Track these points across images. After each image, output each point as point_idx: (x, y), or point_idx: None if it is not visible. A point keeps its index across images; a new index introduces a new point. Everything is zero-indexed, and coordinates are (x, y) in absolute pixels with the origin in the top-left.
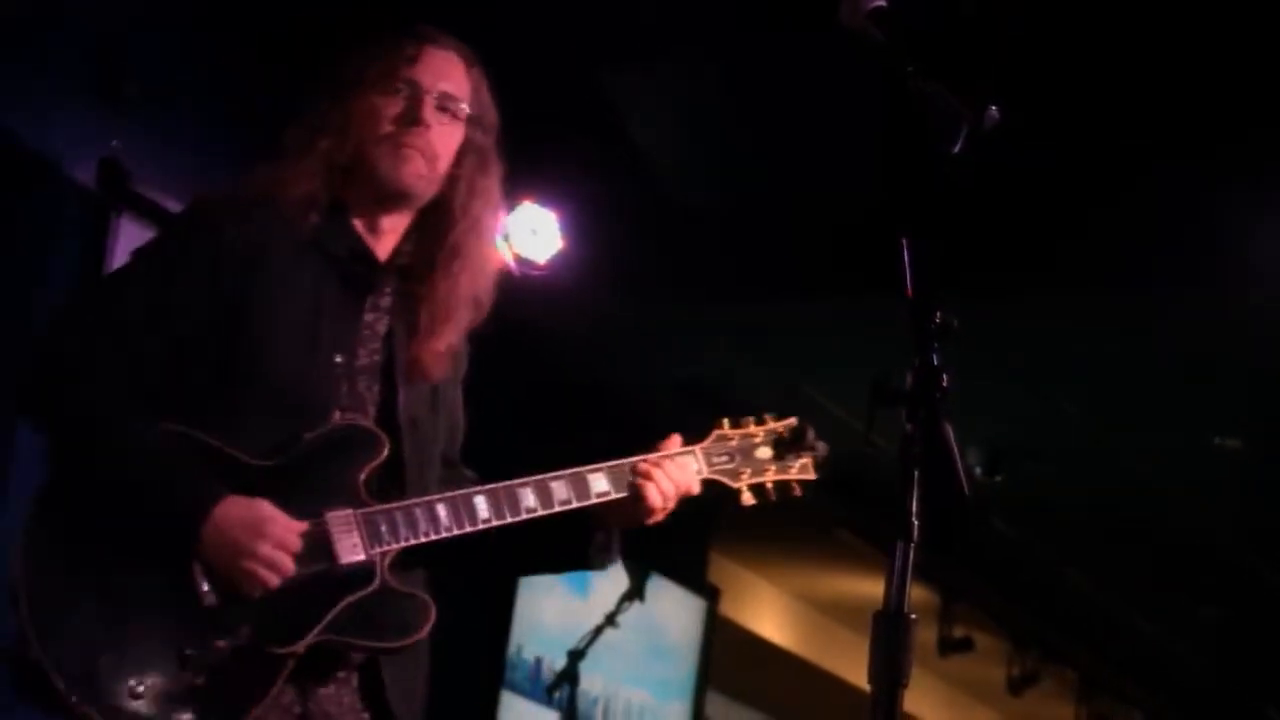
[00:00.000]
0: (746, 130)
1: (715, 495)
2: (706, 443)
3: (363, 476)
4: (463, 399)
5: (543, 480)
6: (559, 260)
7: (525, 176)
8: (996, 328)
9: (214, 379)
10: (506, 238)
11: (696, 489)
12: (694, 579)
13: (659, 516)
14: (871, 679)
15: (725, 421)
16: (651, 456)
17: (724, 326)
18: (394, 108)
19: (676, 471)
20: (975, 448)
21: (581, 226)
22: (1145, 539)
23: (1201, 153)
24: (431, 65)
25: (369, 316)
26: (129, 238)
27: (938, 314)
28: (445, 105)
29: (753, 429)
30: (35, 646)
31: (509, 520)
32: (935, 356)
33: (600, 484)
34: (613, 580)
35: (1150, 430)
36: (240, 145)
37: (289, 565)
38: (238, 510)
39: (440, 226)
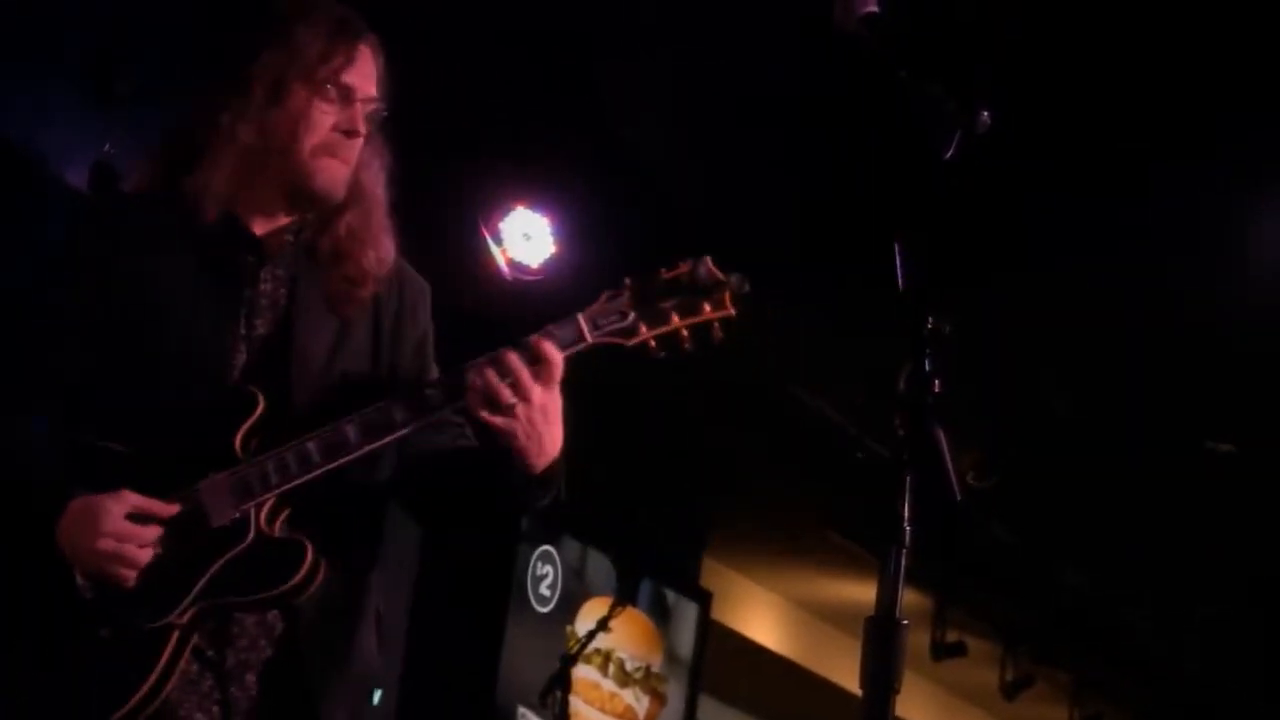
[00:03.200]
0: (741, 132)
1: (608, 354)
2: (592, 307)
3: (241, 438)
4: (425, 345)
5: (416, 389)
6: (552, 265)
7: (518, 181)
8: (985, 331)
9: (98, 370)
10: (500, 243)
11: (558, 361)
12: (686, 584)
13: (500, 423)
14: (863, 684)
15: (626, 279)
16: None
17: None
18: (330, 115)
19: (512, 363)
20: (967, 452)
21: (574, 231)
22: (1138, 541)
23: (1196, 155)
24: (363, 68)
25: (265, 286)
26: None
27: (930, 319)
28: (372, 113)
29: (651, 277)
30: None
31: (384, 439)
32: (928, 361)
33: (436, 399)
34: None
35: (1142, 435)
36: None
37: (135, 553)
38: (79, 509)
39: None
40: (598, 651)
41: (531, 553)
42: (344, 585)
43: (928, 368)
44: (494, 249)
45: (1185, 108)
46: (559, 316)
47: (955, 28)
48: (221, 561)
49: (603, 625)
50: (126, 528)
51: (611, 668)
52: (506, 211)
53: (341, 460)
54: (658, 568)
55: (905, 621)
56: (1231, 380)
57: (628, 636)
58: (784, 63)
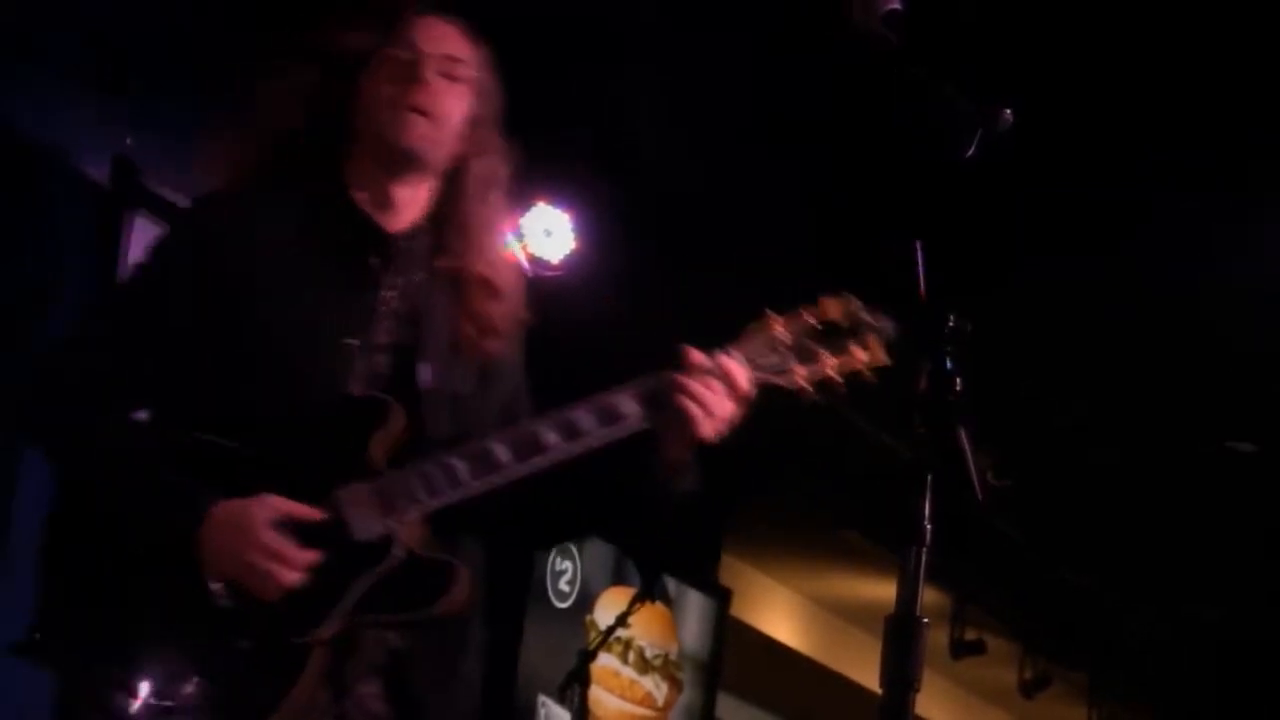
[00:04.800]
0: (758, 131)
1: (771, 400)
2: (742, 342)
3: (377, 448)
4: (525, 386)
5: (562, 412)
6: (573, 261)
7: (538, 177)
8: (1002, 331)
9: (217, 377)
10: (520, 238)
11: (745, 385)
12: (705, 580)
13: (711, 430)
14: (883, 682)
15: (767, 313)
16: (686, 370)
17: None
18: (394, 70)
19: (718, 376)
20: (986, 451)
21: (595, 227)
22: (1156, 543)
23: (1215, 153)
24: (431, 32)
25: (388, 294)
26: (142, 235)
27: (951, 318)
28: (446, 69)
29: (799, 317)
30: (62, 664)
31: (534, 460)
32: (948, 360)
33: (627, 405)
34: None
35: (1161, 435)
36: None
37: (286, 570)
38: (230, 514)
39: (458, 199)
40: (618, 639)
41: (550, 550)
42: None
43: (949, 367)
44: (514, 244)
45: (1202, 107)
46: (581, 313)
47: (975, 25)
48: (365, 579)
49: (622, 621)
50: (279, 542)
51: (631, 655)
52: (527, 207)
53: (491, 480)
54: (677, 564)
55: (925, 620)
56: (1252, 380)
57: (646, 624)
58: (800, 61)
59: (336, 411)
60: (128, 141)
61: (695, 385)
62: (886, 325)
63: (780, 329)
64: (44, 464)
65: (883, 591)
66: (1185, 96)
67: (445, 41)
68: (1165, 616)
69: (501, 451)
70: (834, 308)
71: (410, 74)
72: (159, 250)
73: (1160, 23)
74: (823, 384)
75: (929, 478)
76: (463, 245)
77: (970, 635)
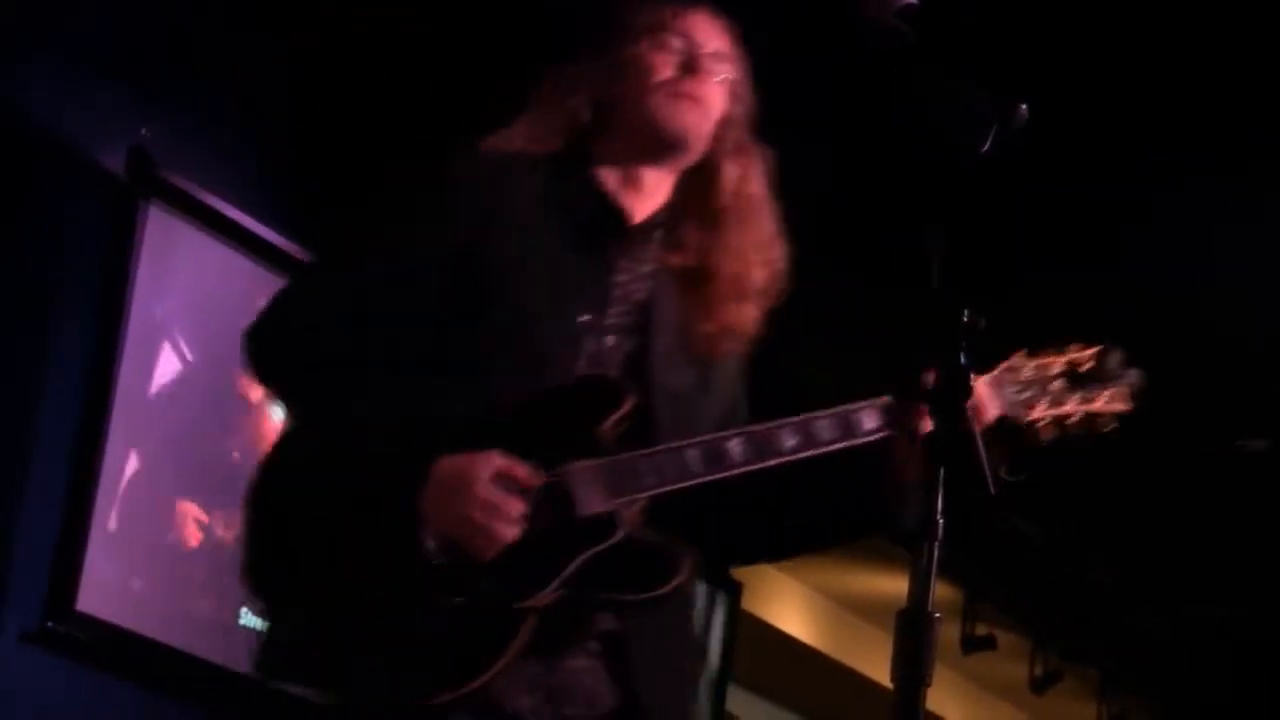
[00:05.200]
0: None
1: (1008, 434)
2: (993, 374)
3: (608, 430)
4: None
5: (804, 419)
6: None
7: None
8: (1016, 322)
9: (451, 339)
10: None
11: (991, 416)
12: (716, 574)
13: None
14: (894, 677)
15: (1023, 352)
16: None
17: None
18: (668, 57)
19: (984, 404)
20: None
21: None
22: (1169, 539)
23: (1217, 150)
24: (705, 26)
25: (621, 278)
26: (157, 226)
27: (965, 312)
28: (715, 66)
29: (1048, 358)
30: (268, 616)
31: (768, 463)
32: (962, 354)
33: (870, 420)
34: None
35: (1173, 431)
36: (272, 134)
37: (504, 528)
38: (454, 469)
39: (707, 196)
40: None
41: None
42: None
43: (963, 361)
44: None
45: (1205, 104)
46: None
47: (978, 23)
48: (589, 553)
49: None
50: (500, 498)
51: None
52: None
53: (720, 474)
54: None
55: (937, 615)
56: (1264, 376)
57: None
58: (809, 56)
59: (572, 389)
60: (143, 132)
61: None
62: (1134, 376)
63: (1032, 368)
64: (52, 461)
65: (894, 586)
66: (1188, 93)
67: (717, 37)
68: (1177, 614)
69: (736, 447)
70: (1085, 354)
71: (688, 64)
72: (402, 205)
73: (1161, 20)
74: (1062, 424)
75: (941, 473)
76: (712, 242)
77: (981, 630)
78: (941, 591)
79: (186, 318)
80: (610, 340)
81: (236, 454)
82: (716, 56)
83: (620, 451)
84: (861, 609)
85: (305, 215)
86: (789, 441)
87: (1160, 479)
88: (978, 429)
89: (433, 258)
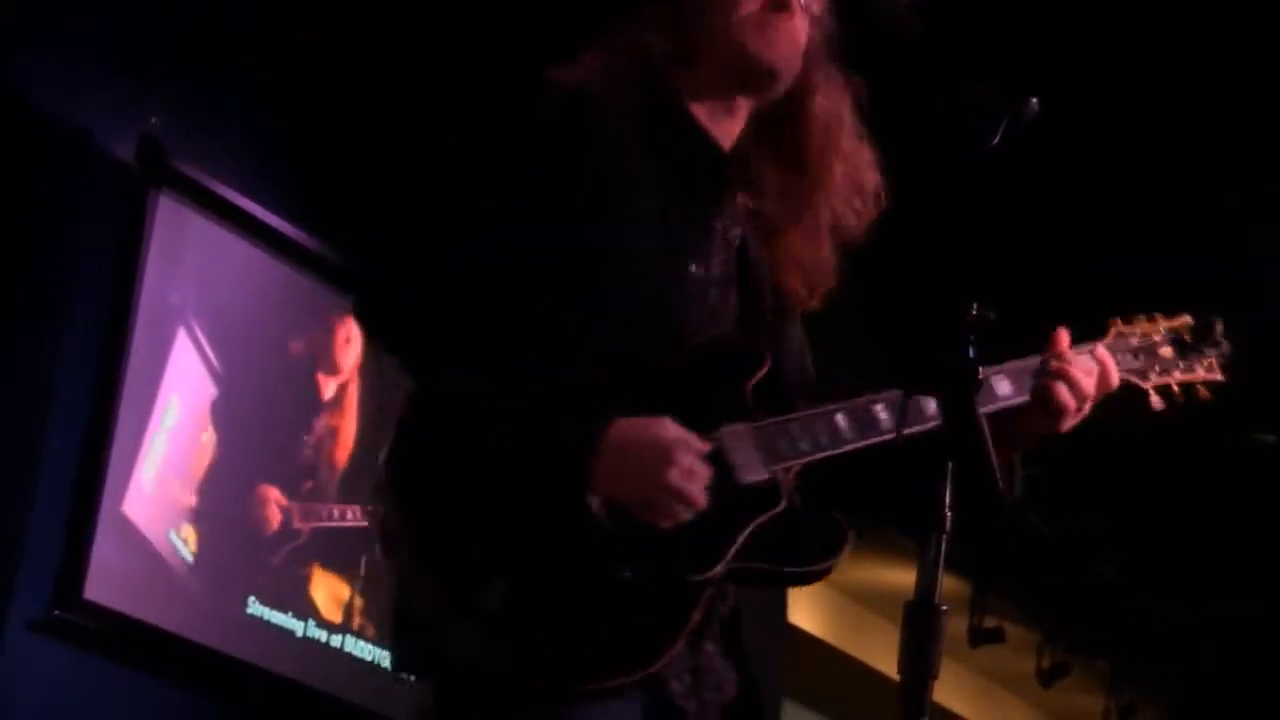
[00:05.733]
0: None
1: (1120, 399)
2: (1109, 339)
3: (753, 394)
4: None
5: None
6: None
7: None
8: (1021, 324)
9: (566, 299)
10: None
11: (1115, 383)
12: None
13: (1072, 421)
14: (901, 670)
15: (1119, 320)
16: (1061, 354)
17: None
18: None
19: (1087, 367)
20: None
21: None
22: (1178, 533)
23: (1212, 146)
24: None
25: (720, 223)
26: (167, 215)
27: (974, 306)
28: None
29: (1152, 324)
30: (422, 588)
31: (914, 429)
32: (971, 349)
33: (1003, 387)
34: None
35: (1185, 425)
36: (282, 123)
37: (700, 497)
38: (636, 432)
39: (794, 133)
40: None
41: None
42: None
43: (971, 355)
44: None
45: (1199, 102)
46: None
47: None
48: (755, 523)
49: None
50: (697, 465)
51: None
52: None
53: (871, 440)
54: None
55: (945, 607)
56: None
57: None
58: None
59: (706, 350)
60: (154, 121)
61: (1076, 373)
62: (1227, 346)
63: (1138, 336)
64: (64, 448)
65: (903, 578)
66: (1185, 91)
67: None
68: (1186, 608)
69: (882, 412)
70: (1186, 322)
71: (778, 1)
72: (504, 163)
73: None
74: (1166, 392)
75: (950, 466)
76: (799, 186)
77: (989, 623)
78: (949, 584)
79: (198, 305)
80: (716, 294)
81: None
82: None
83: (762, 415)
84: (870, 601)
85: (315, 204)
86: (929, 407)
87: (1172, 472)
88: (1097, 397)
89: (541, 211)
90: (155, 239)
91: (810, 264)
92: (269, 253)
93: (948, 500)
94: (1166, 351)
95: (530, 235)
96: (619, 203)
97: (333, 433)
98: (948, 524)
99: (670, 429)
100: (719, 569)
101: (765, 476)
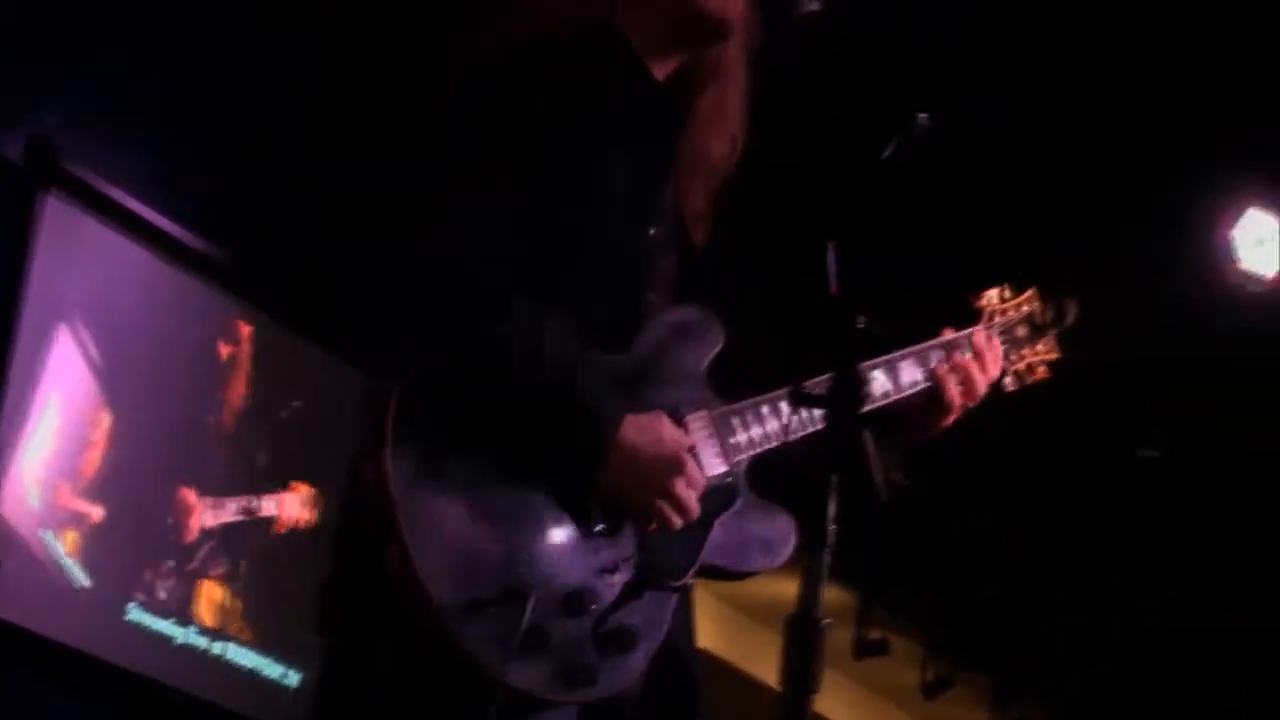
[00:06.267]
0: None
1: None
2: (985, 323)
3: (704, 371)
4: None
5: (886, 360)
6: None
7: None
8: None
9: (556, 257)
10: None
11: (998, 371)
12: None
13: (951, 418)
14: (782, 684)
15: (990, 295)
16: (965, 336)
17: None
18: None
19: (990, 357)
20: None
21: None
22: (1063, 548)
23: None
24: None
25: (669, 184)
26: (56, 216)
27: (860, 319)
28: None
29: (1015, 304)
30: (418, 568)
31: (872, 407)
32: (856, 361)
33: (909, 373)
34: None
35: (1070, 440)
36: (177, 123)
37: (697, 507)
38: (645, 438)
39: (713, 82)
40: None
41: None
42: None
43: (857, 368)
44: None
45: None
46: None
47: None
48: (718, 522)
49: None
50: (695, 474)
51: None
52: (1238, 214)
53: (810, 430)
54: None
55: (827, 621)
56: (1161, 386)
57: None
58: None
59: (672, 322)
60: (44, 121)
61: (972, 364)
62: (1073, 313)
63: (1003, 316)
64: None
65: (793, 590)
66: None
67: None
68: (1071, 623)
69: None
70: (1045, 300)
71: None
72: (512, 117)
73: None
74: (1019, 375)
75: (833, 480)
76: (713, 134)
77: (874, 635)
78: (834, 595)
79: (85, 307)
80: (664, 257)
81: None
82: None
83: (715, 399)
84: (758, 613)
85: (207, 209)
86: (881, 388)
87: (1056, 487)
88: (985, 387)
89: (547, 174)
90: (43, 240)
91: (701, 208)
92: (159, 256)
93: (830, 513)
94: (1021, 331)
95: (519, 211)
96: (596, 178)
97: (223, 405)
98: (830, 537)
99: (672, 433)
100: (692, 574)
101: (725, 470)
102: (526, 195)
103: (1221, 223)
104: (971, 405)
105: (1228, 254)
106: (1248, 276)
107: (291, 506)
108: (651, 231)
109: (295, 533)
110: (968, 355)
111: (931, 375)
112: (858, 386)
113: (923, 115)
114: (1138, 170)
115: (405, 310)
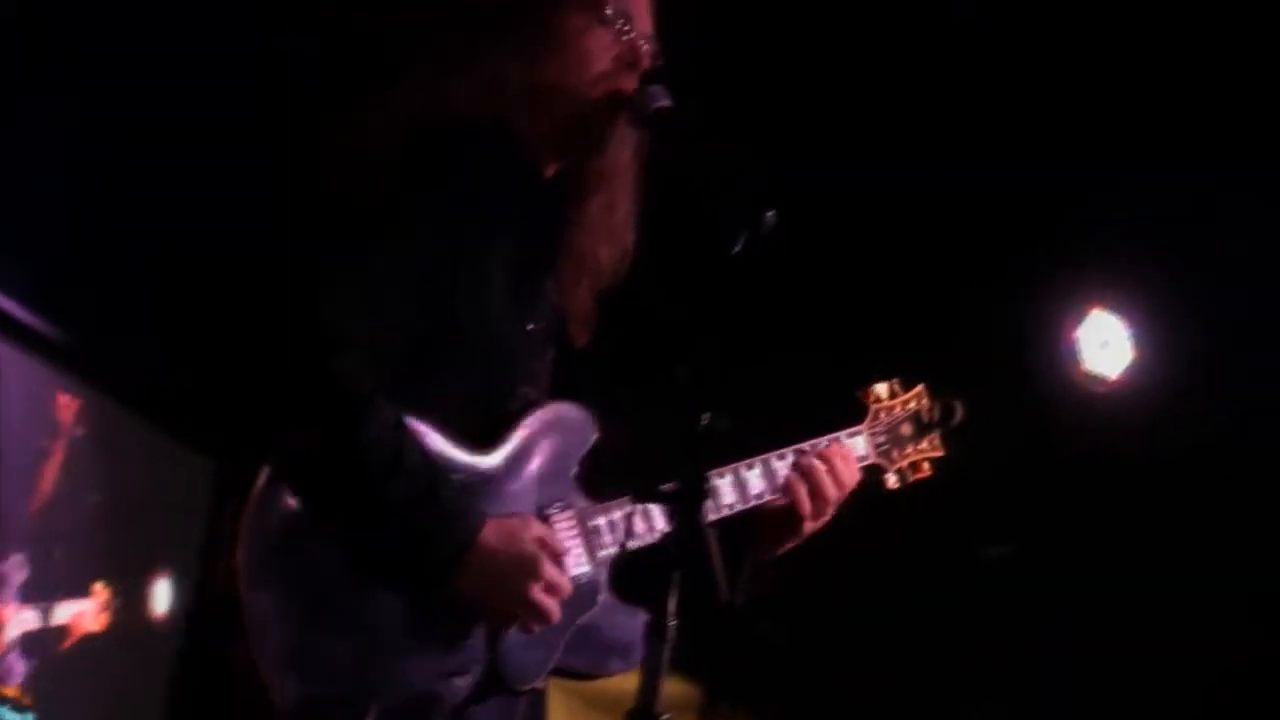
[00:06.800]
0: None
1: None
2: (870, 422)
3: (575, 468)
4: None
5: (736, 466)
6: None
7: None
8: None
9: (430, 342)
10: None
11: (855, 480)
12: None
13: (811, 528)
14: None
15: (879, 391)
16: (821, 444)
17: None
18: (605, 40)
19: (841, 464)
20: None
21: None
22: (908, 647)
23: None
24: (639, 3)
25: (550, 279)
26: None
27: (705, 416)
28: (647, 51)
29: (902, 401)
30: (265, 667)
31: (719, 517)
32: (702, 458)
33: (756, 483)
34: None
35: (912, 540)
36: (16, 204)
37: (557, 612)
38: (504, 542)
39: (598, 182)
40: None
41: None
42: None
43: (701, 465)
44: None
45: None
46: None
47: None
48: (575, 625)
49: None
50: (557, 578)
51: None
52: (1082, 315)
53: (659, 535)
54: None
55: (666, 716)
56: (1007, 483)
57: None
58: None
59: (545, 419)
60: None
61: (822, 472)
62: (960, 412)
63: (888, 414)
64: None
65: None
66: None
67: (646, 15)
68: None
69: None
70: (930, 400)
71: (632, 59)
72: (404, 195)
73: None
74: (902, 473)
75: (675, 576)
76: (601, 239)
77: None
78: (678, 689)
79: None
80: (541, 355)
81: None
82: (647, 38)
83: (584, 495)
84: (605, 706)
85: (49, 289)
86: (726, 498)
87: (903, 584)
88: (841, 496)
89: (421, 261)
90: None
91: (589, 315)
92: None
93: (670, 608)
94: (906, 429)
95: (392, 294)
96: (475, 267)
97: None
98: (669, 632)
99: (534, 532)
100: (543, 679)
101: (589, 569)
102: (402, 279)
103: (1066, 324)
104: (824, 517)
105: (1072, 355)
106: (1091, 378)
107: (86, 617)
108: (530, 326)
109: (87, 640)
110: (819, 465)
111: (782, 487)
112: (699, 483)
113: (770, 213)
114: (982, 272)
115: (264, 406)
